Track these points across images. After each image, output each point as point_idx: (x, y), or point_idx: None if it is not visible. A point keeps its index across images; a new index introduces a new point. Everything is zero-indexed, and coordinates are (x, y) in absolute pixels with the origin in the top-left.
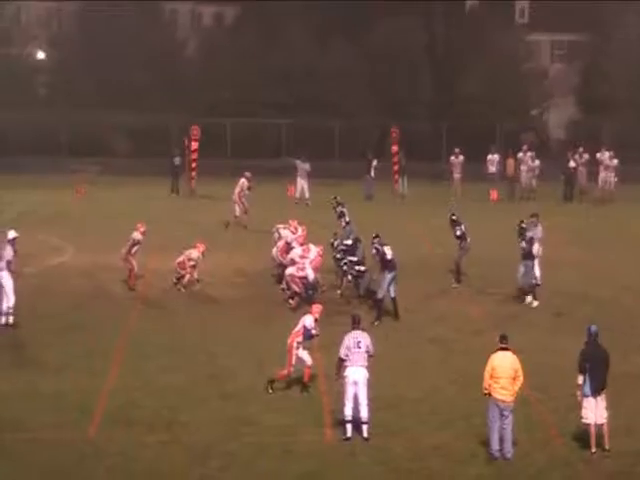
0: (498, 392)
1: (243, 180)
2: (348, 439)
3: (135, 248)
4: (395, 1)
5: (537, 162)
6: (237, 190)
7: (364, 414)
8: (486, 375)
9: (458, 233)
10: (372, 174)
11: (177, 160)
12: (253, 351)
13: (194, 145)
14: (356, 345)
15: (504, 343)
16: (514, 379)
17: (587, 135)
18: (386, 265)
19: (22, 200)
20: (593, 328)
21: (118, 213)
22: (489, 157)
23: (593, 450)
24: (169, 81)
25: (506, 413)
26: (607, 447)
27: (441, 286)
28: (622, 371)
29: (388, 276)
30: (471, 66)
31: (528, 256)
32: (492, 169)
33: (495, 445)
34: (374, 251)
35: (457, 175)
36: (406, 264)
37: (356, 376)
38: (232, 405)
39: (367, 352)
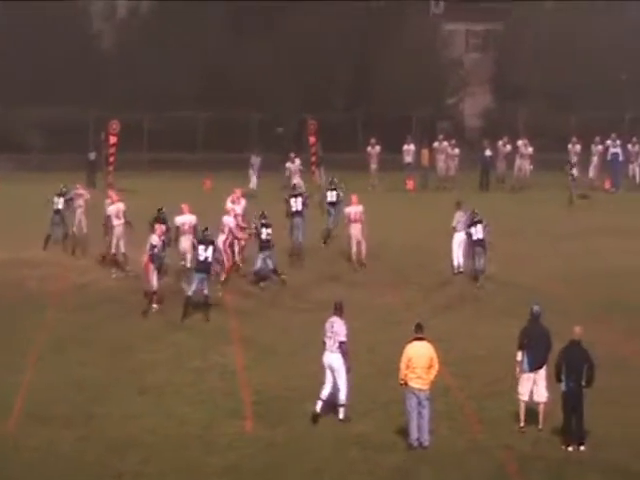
0: (415, 381)
1: None
2: (315, 415)
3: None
4: None
5: (457, 150)
6: None
7: (341, 397)
8: (402, 365)
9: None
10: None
11: (92, 155)
12: (171, 345)
13: (112, 139)
14: (330, 330)
15: (419, 332)
16: (430, 368)
17: (502, 123)
18: (260, 244)
19: None
20: (535, 308)
21: (32, 209)
22: (405, 147)
23: (521, 425)
24: (85, 75)
25: (424, 402)
26: (540, 427)
27: (359, 277)
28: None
29: (260, 255)
30: (387, 56)
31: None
32: (408, 159)
33: (414, 434)
34: (254, 229)
35: (374, 166)
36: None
37: (329, 361)
38: (151, 399)
39: (338, 338)
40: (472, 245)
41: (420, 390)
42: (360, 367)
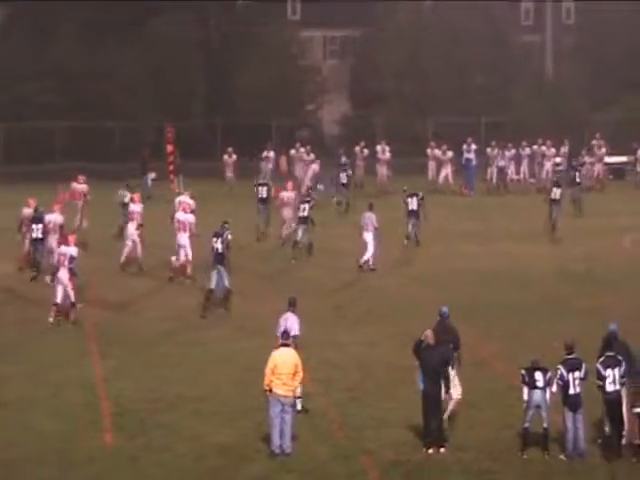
0: (280, 388)
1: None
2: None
3: None
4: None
5: (312, 156)
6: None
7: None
8: (268, 372)
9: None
10: (150, 175)
11: None
12: (30, 357)
13: None
14: (284, 325)
15: (285, 339)
16: (294, 374)
17: (360, 130)
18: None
19: None
20: (444, 309)
21: None
22: (264, 154)
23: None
24: None
25: (287, 408)
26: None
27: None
28: (401, 365)
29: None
30: (245, 63)
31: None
32: (268, 166)
33: (276, 441)
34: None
35: (230, 175)
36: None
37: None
38: (9, 413)
39: (291, 333)
40: (408, 215)
41: (285, 397)
42: (217, 376)
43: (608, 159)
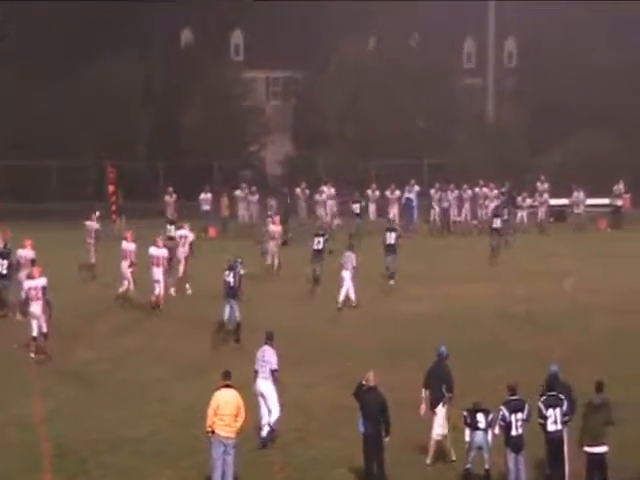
0: (222, 429)
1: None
2: (263, 441)
3: None
4: (111, 38)
5: (256, 197)
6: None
7: (272, 419)
8: (210, 412)
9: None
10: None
11: None
12: None
13: None
14: (261, 359)
15: (227, 380)
16: (237, 415)
17: (303, 170)
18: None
19: None
20: (442, 349)
21: None
22: (202, 196)
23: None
24: None
25: (229, 449)
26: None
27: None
28: (342, 405)
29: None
30: (188, 104)
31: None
32: (206, 207)
33: None
34: None
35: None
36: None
37: (260, 388)
38: None
39: (269, 367)
40: (385, 248)
41: (227, 438)
42: (157, 416)
43: (550, 201)
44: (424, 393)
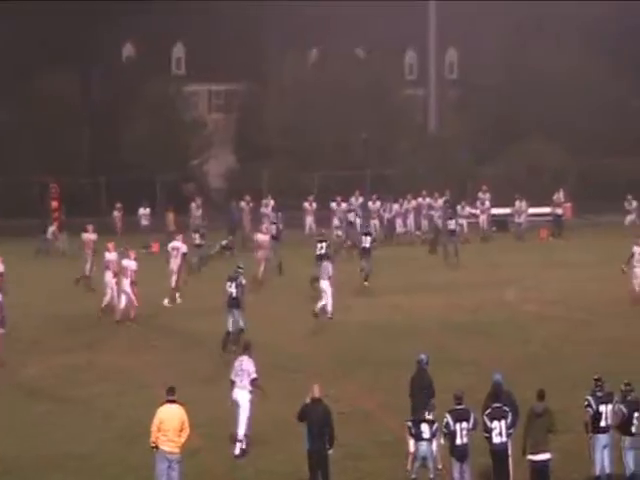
0: (166, 444)
1: None
2: (242, 452)
3: None
4: (51, 54)
5: (200, 211)
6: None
7: (240, 433)
8: (154, 428)
9: None
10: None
11: None
12: None
13: None
14: (239, 368)
15: (171, 395)
16: (181, 431)
17: (246, 183)
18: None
19: None
20: (422, 356)
21: None
22: (141, 211)
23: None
24: None
25: (173, 465)
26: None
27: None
28: (287, 418)
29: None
30: (130, 118)
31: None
32: (145, 222)
33: None
34: None
35: (118, 229)
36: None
37: (237, 397)
38: None
39: (248, 376)
40: (360, 252)
41: (171, 453)
42: (102, 433)
43: (492, 211)
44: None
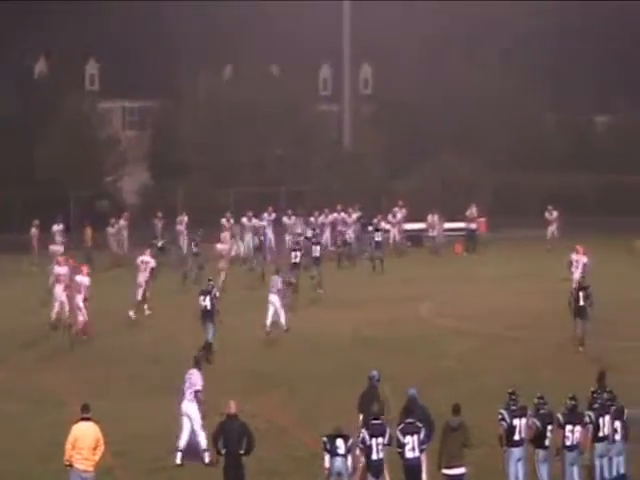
0: (80, 463)
1: None
2: (179, 465)
3: None
4: None
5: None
6: None
7: (202, 442)
8: (68, 446)
9: None
10: None
11: None
12: None
13: None
14: (188, 381)
15: (86, 413)
16: (95, 449)
17: (160, 199)
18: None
19: None
20: (374, 372)
21: None
22: (55, 227)
23: None
24: None
25: None
26: None
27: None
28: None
29: None
30: (43, 135)
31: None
32: (58, 239)
33: None
34: None
35: (36, 247)
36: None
37: (186, 409)
38: None
39: (194, 389)
40: (312, 260)
41: (85, 471)
42: (17, 452)
43: (406, 226)
44: (361, 417)
